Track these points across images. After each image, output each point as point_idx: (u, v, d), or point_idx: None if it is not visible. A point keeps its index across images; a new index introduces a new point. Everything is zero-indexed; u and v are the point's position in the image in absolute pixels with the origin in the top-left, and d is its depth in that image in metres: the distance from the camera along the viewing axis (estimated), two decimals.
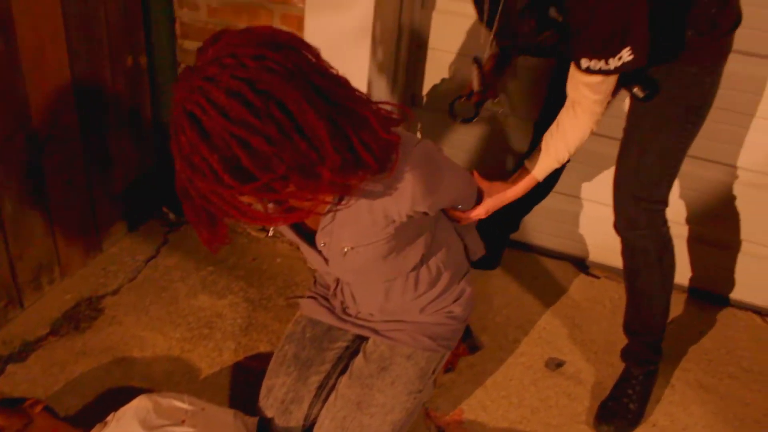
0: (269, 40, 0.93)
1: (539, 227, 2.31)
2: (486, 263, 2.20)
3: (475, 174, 1.52)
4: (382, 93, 2.01)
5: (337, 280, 1.49)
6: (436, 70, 2.14)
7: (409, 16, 2.00)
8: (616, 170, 1.63)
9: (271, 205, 1.10)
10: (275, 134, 0.88)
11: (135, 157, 2.20)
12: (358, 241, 1.26)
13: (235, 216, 0.96)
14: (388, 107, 1.09)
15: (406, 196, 1.17)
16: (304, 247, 1.38)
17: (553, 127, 1.53)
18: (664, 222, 1.64)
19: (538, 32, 1.31)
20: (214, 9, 2.04)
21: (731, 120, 1.92)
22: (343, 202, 1.18)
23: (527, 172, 1.56)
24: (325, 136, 0.91)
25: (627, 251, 1.69)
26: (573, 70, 1.39)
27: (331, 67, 1.00)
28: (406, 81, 2.14)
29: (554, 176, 2.03)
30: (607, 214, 2.15)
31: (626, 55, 1.27)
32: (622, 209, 1.64)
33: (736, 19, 1.47)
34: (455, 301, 1.53)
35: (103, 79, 1.96)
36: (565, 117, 1.49)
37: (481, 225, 2.16)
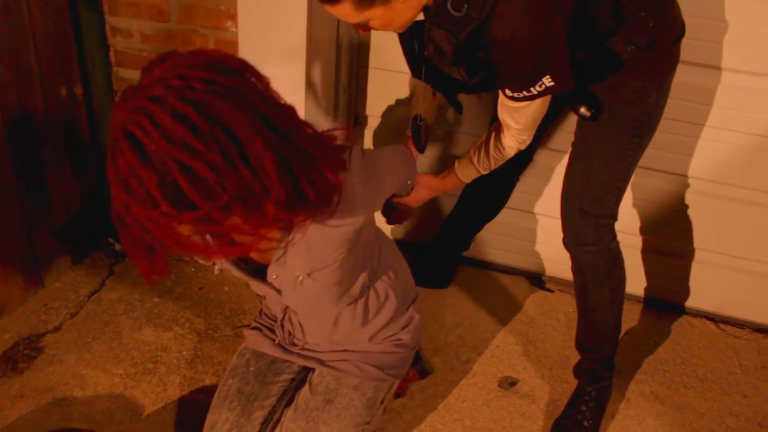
0: (219, 63, 0.88)
1: (491, 243, 2.29)
2: (438, 282, 2.18)
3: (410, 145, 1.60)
4: (323, 113, 1.99)
5: (285, 310, 1.45)
6: (379, 89, 2.12)
7: (347, 37, 1.98)
8: (563, 185, 1.62)
9: (210, 238, 1.05)
10: (219, 161, 0.82)
11: (76, 188, 2.14)
12: (313, 267, 1.23)
13: (171, 246, 0.90)
14: (336, 132, 1.06)
15: (357, 207, 1.16)
16: (254, 282, 1.34)
17: (484, 139, 1.55)
18: (613, 237, 1.63)
19: (470, 77, 1.35)
20: (147, 36, 2.00)
21: (681, 130, 1.92)
22: (292, 236, 1.13)
23: (454, 173, 1.63)
24: (272, 168, 0.86)
25: (576, 267, 1.68)
26: (501, 97, 1.41)
27: (280, 98, 0.95)
28: (348, 100, 2.11)
29: (504, 194, 2.03)
30: (560, 228, 2.18)
31: (547, 82, 1.29)
32: (570, 224, 1.62)
33: (678, 32, 1.47)
34: (403, 328, 1.50)
35: (36, 111, 1.90)
36: (494, 136, 1.52)
37: (433, 243, 2.16)
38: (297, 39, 1.76)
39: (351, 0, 1.22)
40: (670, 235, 2.11)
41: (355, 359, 1.47)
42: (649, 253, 2.16)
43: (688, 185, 2.02)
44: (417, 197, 1.65)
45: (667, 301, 2.22)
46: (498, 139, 1.53)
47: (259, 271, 1.30)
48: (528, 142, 1.52)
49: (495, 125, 1.54)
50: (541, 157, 2.05)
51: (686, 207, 2.06)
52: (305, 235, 1.13)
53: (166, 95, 0.82)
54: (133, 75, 2.10)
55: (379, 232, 1.48)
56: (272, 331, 1.56)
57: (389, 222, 1.73)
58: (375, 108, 2.17)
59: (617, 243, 1.64)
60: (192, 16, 1.92)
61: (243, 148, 0.84)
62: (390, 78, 2.07)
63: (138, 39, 2.02)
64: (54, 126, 1.98)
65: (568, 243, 1.65)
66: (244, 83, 0.88)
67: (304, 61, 1.79)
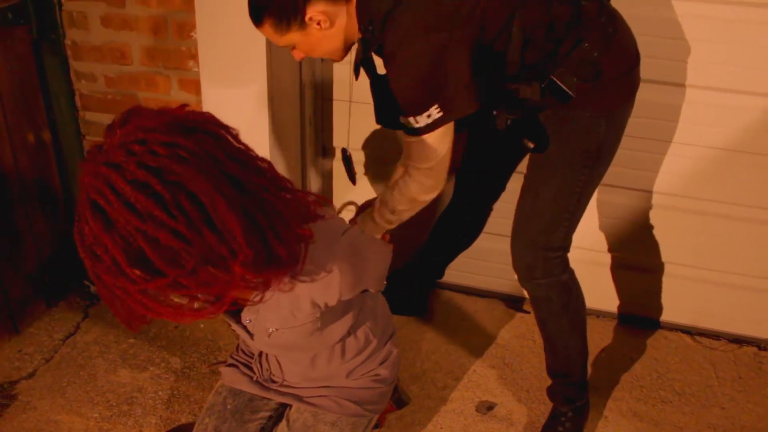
0: (182, 123, 0.86)
1: (465, 267, 2.30)
2: (413, 310, 2.18)
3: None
4: (291, 147, 2.01)
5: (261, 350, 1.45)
6: (344, 120, 2.14)
7: (310, 71, 2.00)
8: (514, 217, 1.60)
9: (181, 300, 1.04)
10: (184, 229, 0.81)
11: (48, 233, 2.14)
12: (283, 324, 1.23)
13: (140, 311, 0.90)
14: (310, 198, 1.05)
15: (333, 289, 1.14)
16: (228, 320, 1.33)
17: (390, 194, 1.51)
18: (564, 269, 1.61)
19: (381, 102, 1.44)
20: (111, 79, 2.03)
21: (646, 147, 1.94)
22: (266, 293, 1.09)
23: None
24: (238, 230, 0.85)
25: (531, 301, 1.67)
26: (402, 135, 1.43)
27: (250, 151, 0.93)
28: (315, 133, 2.13)
29: (478, 225, 2.03)
30: None
31: (435, 112, 1.31)
32: (519, 258, 1.60)
33: (630, 61, 1.44)
34: (381, 363, 1.49)
35: (4, 158, 1.91)
36: (407, 187, 1.48)
37: (407, 272, 2.15)
38: (258, 75, 1.78)
39: (270, 23, 1.32)
40: (640, 250, 2.13)
41: (333, 395, 1.45)
42: (619, 269, 2.18)
43: (654, 201, 2.04)
44: None
45: (641, 316, 2.23)
46: (400, 187, 1.48)
47: (235, 311, 1.29)
48: (437, 191, 1.47)
49: (396, 177, 1.51)
50: (513, 182, 2.07)
51: (654, 222, 2.08)
52: (277, 296, 1.12)
53: (127, 162, 0.81)
54: (99, 118, 2.13)
55: None
56: (249, 367, 1.55)
57: None
58: (341, 140, 2.19)
59: (570, 273, 1.63)
60: (154, 58, 1.95)
61: (208, 213, 0.83)
62: (355, 109, 2.09)
63: (102, 82, 2.04)
64: (23, 172, 1.99)
65: (519, 277, 1.63)
66: (209, 143, 0.87)
67: (267, 96, 1.81)
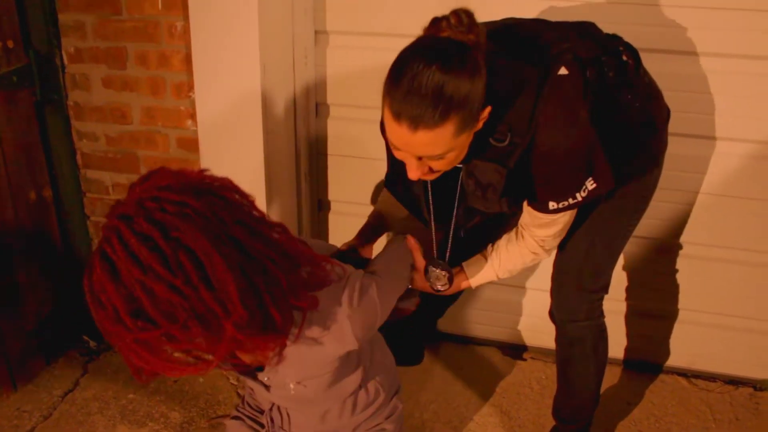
0: (196, 185, 0.92)
1: (461, 315, 2.32)
2: (410, 359, 2.19)
3: (412, 242, 1.44)
4: (286, 203, 2.05)
5: (273, 402, 1.46)
6: (339, 174, 2.20)
7: (304, 128, 2.06)
8: (559, 261, 1.63)
9: (174, 353, 1.02)
10: (181, 284, 0.85)
11: (48, 289, 2.17)
12: (304, 377, 1.24)
13: (133, 360, 0.92)
14: (328, 266, 1.07)
15: (348, 338, 1.16)
16: (243, 378, 1.34)
17: (505, 246, 1.49)
18: (602, 312, 1.66)
19: (510, 206, 1.35)
20: (112, 138, 2.08)
21: (674, 198, 1.98)
22: (278, 355, 1.11)
23: (464, 277, 1.53)
24: (234, 291, 0.88)
25: (562, 340, 1.70)
26: (536, 214, 1.38)
27: (265, 218, 0.98)
28: (311, 187, 2.18)
29: None
30: (530, 296, 2.23)
31: (590, 185, 1.30)
32: (564, 300, 1.64)
33: (667, 112, 1.52)
34: (387, 417, 1.50)
35: (5, 216, 1.95)
36: (520, 248, 1.47)
37: (402, 323, 2.16)
38: (255, 133, 1.84)
39: (456, 122, 1.10)
40: (641, 296, 2.15)
41: None
42: (618, 315, 2.20)
43: (653, 246, 2.07)
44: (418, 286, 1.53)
45: (638, 360, 2.24)
46: (519, 244, 1.47)
47: (250, 369, 1.30)
48: (553, 251, 1.50)
49: (505, 238, 1.51)
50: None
51: (653, 268, 2.10)
52: (298, 350, 1.14)
53: (137, 215, 0.87)
54: (100, 175, 2.17)
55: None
56: (254, 421, 1.56)
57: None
58: (336, 193, 2.24)
59: (604, 318, 1.68)
60: (153, 118, 2.01)
61: (205, 271, 0.86)
62: (350, 164, 2.15)
63: (103, 141, 2.09)
64: (23, 229, 2.03)
65: (558, 318, 1.66)
66: (219, 205, 0.91)
67: (263, 152, 1.86)
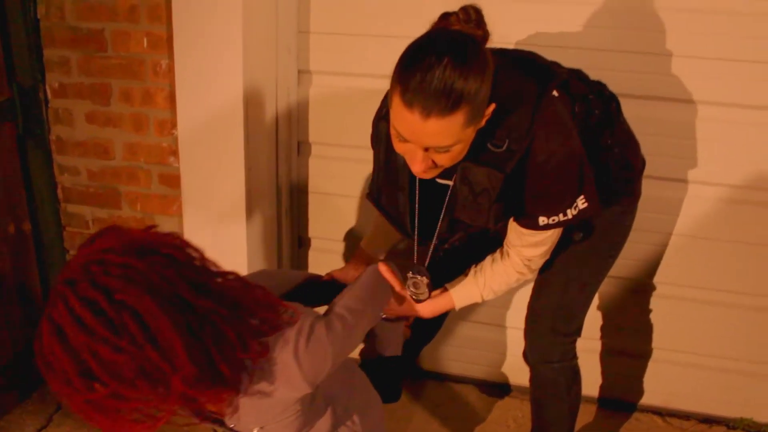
0: (142, 247, 0.93)
1: (439, 353, 2.33)
2: (388, 396, 2.19)
3: (384, 268, 1.37)
4: (267, 239, 2.06)
5: None
6: (319, 212, 2.22)
7: (286, 166, 2.09)
8: (534, 304, 1.65)
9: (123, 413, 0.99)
10: (126, 345, 0.87)
11: (24, 324, 2.14)
12: (265, 422, 1.21)
13: (85, 421, 0.94)
14: (281, 309, 1.07)
15: (297, 383, 1.13)
16: (214, 426, 1.33)
17: (490, 265, 1.49)
18: (575, 355, 1.68)
19: (497, 221, 1.34)
20: (94, 173, 2.09)
21: (648, 239, 2.02)
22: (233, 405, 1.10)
23: (448, 297, 1.51)
24: (180, 348, 0.90)
25: (536, 381, 1.72)
26: (523, 231, 1.39)
27: (215, 270, 1.00)
28: (292, 225, 2.20)
29: (441, 317, 2.05)
30: (507, 335, 2.25)
31: (581, 203, 1.33)
32: (538, 342, 1.66)
33: (642, 164, 1.58)
34: None
35: None
36: (505, 267, 1.47)
37: (379, 361, 2.15)
38: (236, 170, 1.86)
39: (465, 113, 1.12)
40: (619, 335, 2.18)
41: None
42: (595, 354, 2.23)
43: (629, 287, 2.11)
44: (395, 312, 1.50)
45: (615, 399, 2.26)
46: (504, 263, 1.47)
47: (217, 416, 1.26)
48: (536, 273, 1.52)
49: (489, 259, 1.50)
50: None
51: (629, 308, 2.13)
52: (251, 399, 1.11)
53: (82, 280, 0.88)
54: (81, 210, 2.17)
55: (350, 371, 1.43)
56: None
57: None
58: (317, 230, 2.26)
59: (577, 359, 1.70)
60: (136, 154, 2.02)
61: (151, 332, 0.88)
62: (330, 201, 2.17)
63: (85, 176, 2.10)
64: (1, 262, 2.01)
65: (532, 359, 1.68)
66: (163, 265, 0.93)
67: (244, 189, 1.88)
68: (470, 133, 1.17)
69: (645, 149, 1.60)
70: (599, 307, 2.14)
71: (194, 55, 1.81)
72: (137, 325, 0.87)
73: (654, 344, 2.16)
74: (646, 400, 2.24)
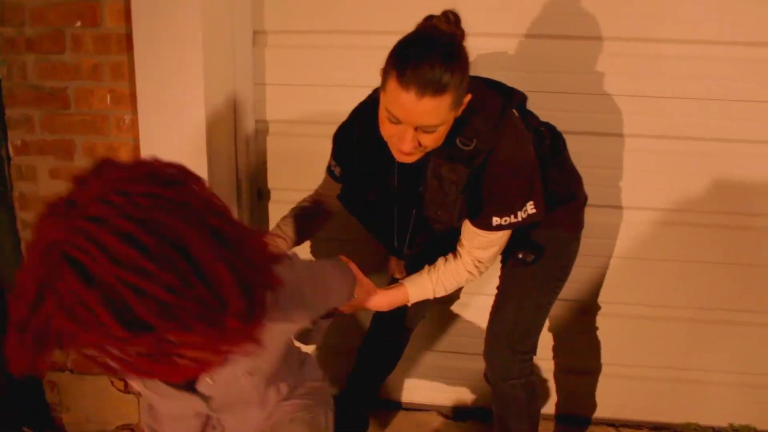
0: (160, 175, 0.83)
1: (400, 383, 2.43)
2: (355, 427, 2.25)
3: (347, 261, 1.52)
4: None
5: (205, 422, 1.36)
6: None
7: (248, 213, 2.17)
8: (492, 326, 1.79)
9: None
10: (174, 280, 0.76)
11: None
12: (254, 365, 1.24)
13: (124, 371, 0.82)
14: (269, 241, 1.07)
15: (302, 313, 1.20)
16: (173, 395, 1.24)
17: (443, 264, 1.64)
18: (533, 370, 1.81)
19: (460, 216, 1.52)
20: None
21: (591, 263, 2.18)
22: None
23: (404, 289, 1.65)
24: (229, 281, 0.80)
25: (498, 399, 1.83)
26: (477, 232, 1.56)
27: (220, 201, 0.89)
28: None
29: (401, 348, 2.14)
30: (466, 361, 2.35)
31: (530, 208, 1.51)
32: (497, 360, 1.78)
33: (584, 198, 1.77)
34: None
35: None
36: (457, 266, 1.63)
37: (344, 398, 2.20)
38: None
39: (451, 96, 1.30)
40: (570, 354, 2.32)
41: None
42: (548, 372, 2.36)
43: (578, 309, 2.26)
44: (354, 304, 1.61)
45: (569, 414, 2.39)
46: (456, 262, 1.63)
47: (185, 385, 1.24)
48: (483, 274, 1.66)
49: (442, 259, 1.65)
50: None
51: (579, 328, 2.28)
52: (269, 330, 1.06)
53: (110, 215, 0.76)
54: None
55: (302, 364, 1.51)
56: None
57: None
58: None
59: (535, 375, 1.83)
60: None
61: (198, 265, 0.78)
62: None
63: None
64: None
65: (493, 378, 1.81)
66: (189, 194, 0.83)
67: None
68: (452, 118, 1.36)
69: (584, 180, 1.77)
70: (550, 329, 2.28)
71: (157, 111, 1.89)
72: (183, 259, 0.77)
73: (603, 360, 2.30)
74: (599, 413, 2.37)
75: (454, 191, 1.47)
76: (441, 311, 2.31)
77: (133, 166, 0.84)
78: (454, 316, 2.34)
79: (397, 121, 1.33)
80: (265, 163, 2.20)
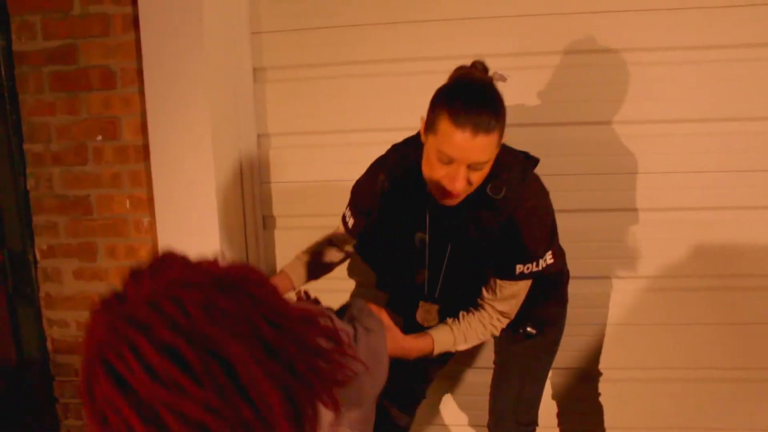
0: (220, 279, 0.78)
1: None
2: None
3: (379, 311, 1.49)
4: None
5: None
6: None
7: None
8: (494, 401, 1.88)
9: None
10: (215, 400, 0.71)
11: None
12: None
13: None
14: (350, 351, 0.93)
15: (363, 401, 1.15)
16: None
17: (465, 317, 1.65)
18: None
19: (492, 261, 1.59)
20: (82, 324, 2.19)
21: (587, 332, 2.30)
22: None
23: (429, 338, 1.61)
24: (277, 404, 0.74)
25: None
26: (501, 284, 1.60)
27: (286, 307, 0.83)
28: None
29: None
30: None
31: (549, 258, 1.60)
32: None
33: (568, 275, 1.87)
34: None
35: None
36: (481, 318, 1.64)
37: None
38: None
39: (498, 133, 1.40)
40: (574, 420, 2.39)
41: None
42: None
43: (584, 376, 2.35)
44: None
45: None
46: (479, 314, 1.64)
47: None
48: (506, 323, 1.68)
49: (464, 313, 1.66)
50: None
51: (585, 394, 2.36)
52: None
53: (156, 323, 0.72)
54: (70, 359, 2.31)
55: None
56: None
57: None
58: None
59: None
60: None
61: (242, 383, 0.73)
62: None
63: (74, 327, 2.26)
64: None
65: None
66: (245, 302, 0.78)
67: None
68: (495, 156, 1.44)
69: (574, 254, 1.90)
70: (554, 397, 2.36)
71: (173, 214, 2.06)
72: (227, 376, 0.72)
73: (607, 424, 2.37)
74: None
75: (488, 238, 1.54)
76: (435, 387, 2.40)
77: (191, 268, 0.80)
78: (452, 391, 2.43)
79: (449, 161, 1.40)
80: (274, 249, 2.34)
